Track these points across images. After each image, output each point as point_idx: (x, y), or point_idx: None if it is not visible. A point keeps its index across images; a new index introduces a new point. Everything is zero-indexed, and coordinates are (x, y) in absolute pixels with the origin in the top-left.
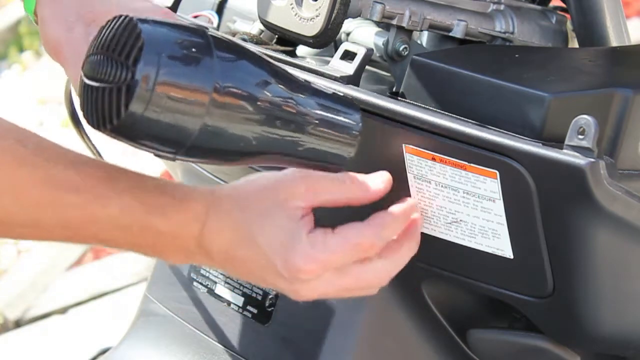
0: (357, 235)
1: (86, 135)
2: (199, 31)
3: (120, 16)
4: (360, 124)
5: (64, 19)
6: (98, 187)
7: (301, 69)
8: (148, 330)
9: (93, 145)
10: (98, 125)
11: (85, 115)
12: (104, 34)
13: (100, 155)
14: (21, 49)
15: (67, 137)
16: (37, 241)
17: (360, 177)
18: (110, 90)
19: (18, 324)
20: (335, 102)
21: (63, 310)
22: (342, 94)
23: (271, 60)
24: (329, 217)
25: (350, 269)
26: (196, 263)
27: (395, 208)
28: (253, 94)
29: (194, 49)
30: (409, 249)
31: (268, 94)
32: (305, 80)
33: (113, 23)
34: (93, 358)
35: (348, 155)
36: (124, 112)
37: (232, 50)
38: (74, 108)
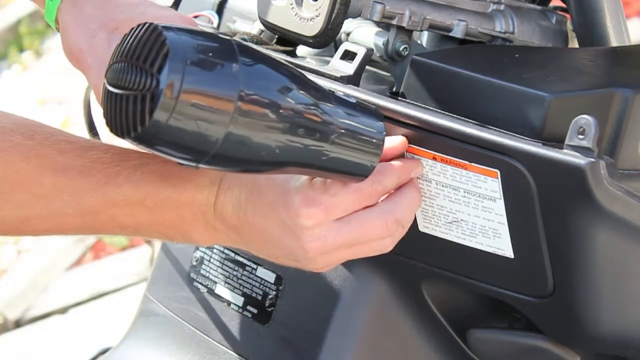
0: (359, 183)
1: None
2: (224, 39)
3: (145, 24)
4: (384, 133)
5: (86, 26)
6: (109, 168)
7: (301, 69)
8: (148, 330)
9: None
10: (122, 133)
11: (108, 123)
12: (128, 42)
13: None
14: (21, 49)
15: None
16: (58, 235)
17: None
18: (135, 97)
19: (18, 324)
20: (360, 111)
21: (63, 310)
22: (365, 103)
23: (295, 68)
24: None
25: (354, 215)
26: (218, 239)
27: (396, 161)
28: (277, 101)
29: (218, 57)
30: (412, 197)
31: (293, 101)
32: (330, 89)
33: (137, 31)
34: (93, 358)
35: (372, 165)
36: (148, 120)
37: (257, 58)
38: (92, 117)
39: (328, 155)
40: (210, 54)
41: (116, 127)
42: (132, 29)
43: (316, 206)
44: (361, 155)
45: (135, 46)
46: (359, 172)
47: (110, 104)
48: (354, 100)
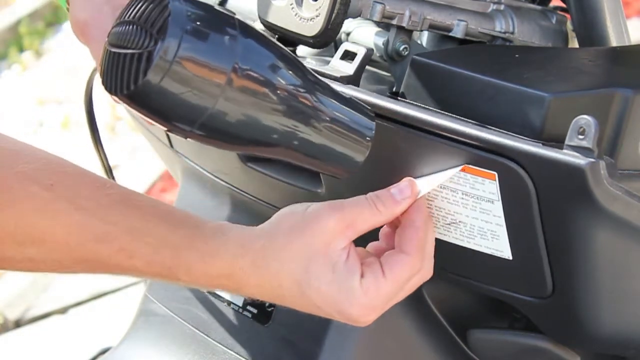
0: (408, 271)
1: (99, 142)
2: (226, 13)
3: None
4: (373, 132)
5: (93, 2)
6: (123, 239)
7: None
8: (148, 330)
9: (104, 152)
10: (115, 90)
11: (103, 82)
12: (132, 6)
13: (109, 164)
14: (21, 49)
15: (66, 139)
16: (54, 272)
17: (385, 194)
18: (132, 56)
19: (18, 324)
20: (351, 106)
21: (63, 310)
22: (359, 101)
23: (292, 54)
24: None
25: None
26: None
27: (418, 220)
28: (270, 80)
29: (218, 29)
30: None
31: (285, 82)
32: (324, 81)
33: None
34: (93, 358)
35: (358, 161)
36: (142, 79)
37: (256, 36)
38: (92, 112)
39: (314, 142)
40: (211, 25)
41: (111, 85)
42: None
43: (371, 312)
44: (349, 149)
45: (138, 9)
46: (346, 166)
47: (108, 63)
48: (347, 96)
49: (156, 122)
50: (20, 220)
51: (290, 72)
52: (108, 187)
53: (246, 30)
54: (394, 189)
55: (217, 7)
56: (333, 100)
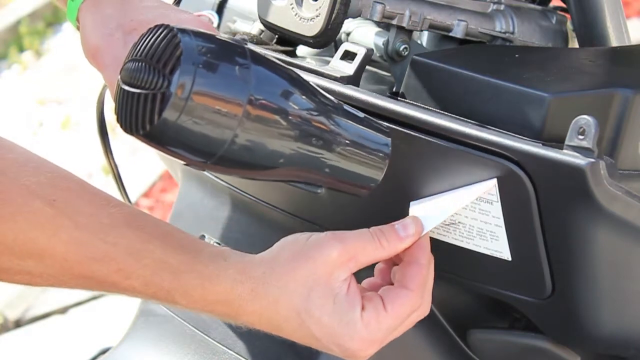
0: (409, 307)
1: (109, 149)
2: (237, 45)
3: (161, 25)
4: (390, 149)
5: (104, 26)
6: (122, 260)
7: (301, 69)
8: (148, 330)
9: (113, 160)
10: (131, 129)
11: (118, 120)
12: (144, 42)
13: (118, 171)
14: (21, 49)
15: (65, 139)
16: (49, 287)
17: (389, 230)
18: (146, 96)
19: (18, 324)
20: (366, 126)
21: (63, 310)
22: (373, 119)
23: (305, 79)
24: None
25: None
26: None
27: (422, 258)
28: (285, 108)
29: (230, 62)
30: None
31: (300, 109)
32: (338, 102)
33: (153, 32)
34: (93, 358)
35: (376, 178)
36: (157, 119)
37: (269, 65)
38: (103, 120)
39: (333, 165)
40: (223, 59)
41: (126, 124)
42: (149, 29)
43: (372, 345)
44: (366, 168)
45: (150, 46)
46: (364, 185)
47: (122, 101)
48: (362, 115)
49: (174, 157)
50: (19, 234)
51: (304, 99)
52: (111, 205)
53: (258, 59)
54: (398, 224)
55: (226, 37)
56: (348, 121)
